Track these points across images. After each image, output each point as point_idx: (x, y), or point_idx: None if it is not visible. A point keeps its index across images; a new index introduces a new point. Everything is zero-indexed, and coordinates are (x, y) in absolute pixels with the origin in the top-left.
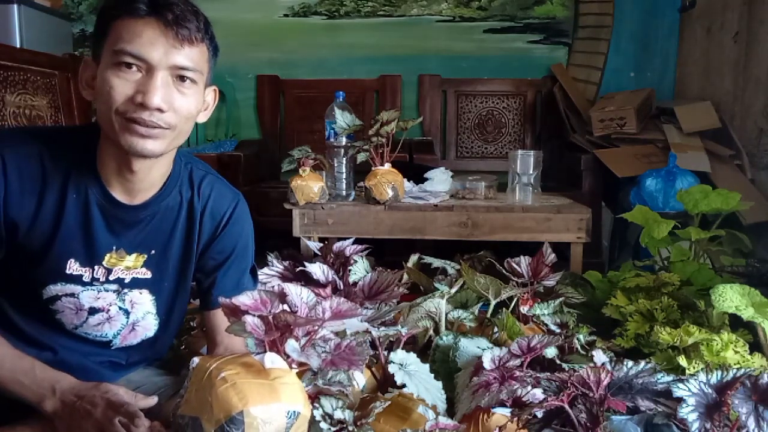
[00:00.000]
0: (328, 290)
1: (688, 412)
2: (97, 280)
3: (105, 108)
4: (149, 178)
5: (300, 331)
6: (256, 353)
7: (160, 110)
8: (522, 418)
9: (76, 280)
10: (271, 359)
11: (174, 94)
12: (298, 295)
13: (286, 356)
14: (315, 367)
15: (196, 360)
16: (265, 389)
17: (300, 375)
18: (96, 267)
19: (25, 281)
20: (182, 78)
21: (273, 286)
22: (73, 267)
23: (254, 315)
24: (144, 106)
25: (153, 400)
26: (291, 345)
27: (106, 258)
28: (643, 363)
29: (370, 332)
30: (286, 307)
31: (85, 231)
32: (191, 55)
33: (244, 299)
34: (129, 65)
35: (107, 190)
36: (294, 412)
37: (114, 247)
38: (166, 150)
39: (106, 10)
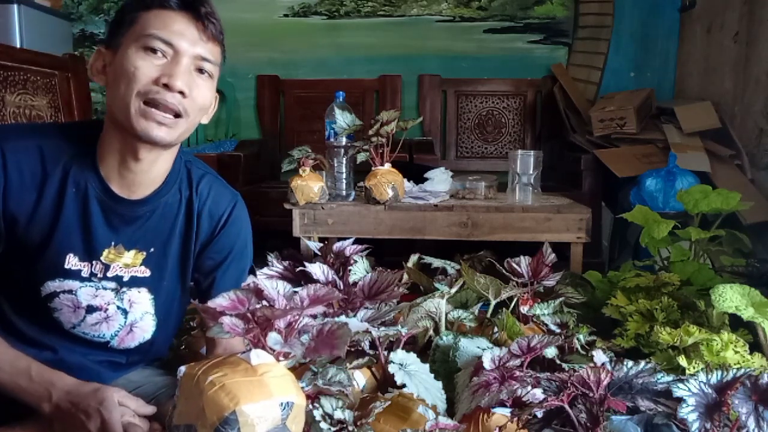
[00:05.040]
0: None
1: (688, 412)
2: (95, 275)
3: (125, 89)
4: (152, 171)
5: (281, 323)
6: (242, 352)
7: (182, 94)
8: (522, 418)
9: (75, 275)
10: (257, 354)
11: (194, 81)
12: (274, 288)
13: (271, 350)
14: (299, 355)
15: (182, 369)
16: (254, 386)
17: (299, 375)
18: (94, 262)
19: (25, 278)
20: (201, 70)
21: (248, 284)
22: (71, 262)
23: (231, 315)
24: (168, 88)
25: (152, 409)
26: (273, 338)
27: (105, 253)
28: (643, 363)
29: (370, 332)
30: (264, 302)
31: (83, 225)
32: (213, 50)
33: (220, 301)
34: (155, 50)
35: (107, 185)
36: (287, 403)
37: (112, 243)
38: (175, 141)
39: (133, 2)
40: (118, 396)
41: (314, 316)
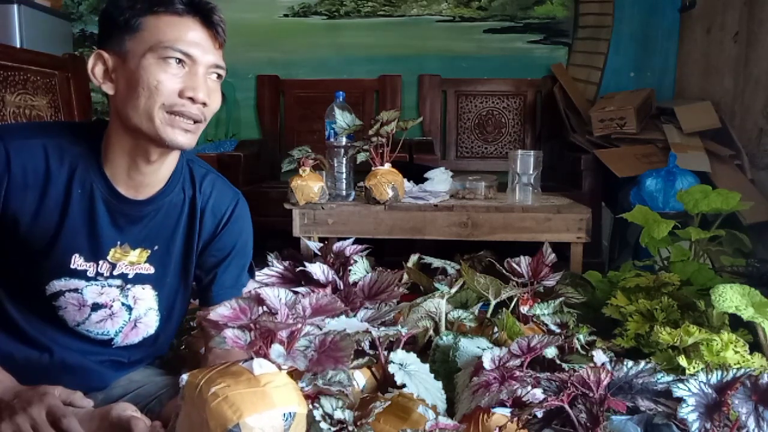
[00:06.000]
0: (328, 290)
1: (688, 412)
2: (101, 274)
3: (147, 101)
4: (160, 172)
5: (284, 333)
6: (243, 360)
7: (204, 104)
8: (522, 418)
9: (81, 275)
10: (260, 364)
11: (210, 90)
12: (276, 296)
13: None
14: (302, 368)
15: (184, 378)
16: (257, 397)
17: (300, 376)
18: (100, 262)
19: (30, 277)
20: (212, 75)
21: (249, 291)
22: (77, 262)
23: (234, 327)
24: (193, 101)
25: (89, 402)
26: (276, 350)
27: (111, 253)
28: (643, 363)
29: (370, 332)
30: (265, 308)
31: (89, 226)
32: (221, 56)
33: (222, 311)
34: (174, 61)
35: (113, 186)
36: (290, 413)
37: (118, 242)
38: (195, 143)
39: (132, 4)
40: (59, 390)
41: None
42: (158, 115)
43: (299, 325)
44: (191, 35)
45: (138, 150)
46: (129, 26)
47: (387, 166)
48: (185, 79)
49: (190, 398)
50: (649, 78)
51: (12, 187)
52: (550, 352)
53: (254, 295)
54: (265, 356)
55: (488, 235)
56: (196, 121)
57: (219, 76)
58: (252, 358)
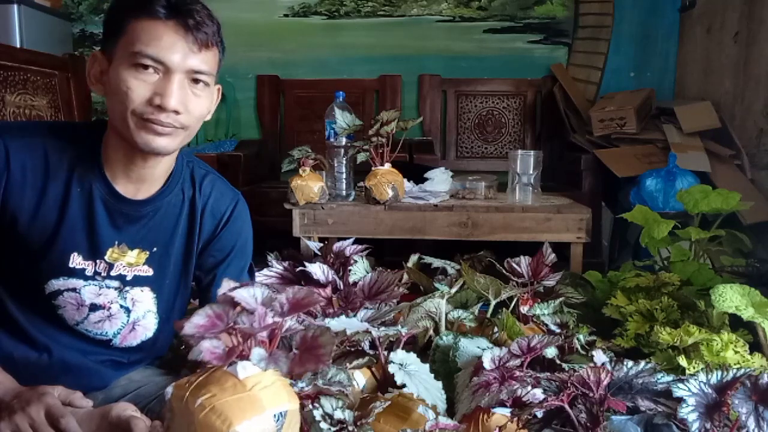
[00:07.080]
0: (329, 290)
1: (688, 412)
2: (99, 274)
3: (120, 107)
4: (156, 171)
5: (264, 333)
6: (227, 365)
7: (176, 112)
8: (522, 418)
9: (79, 274)
10: (244, 367)
11: (189, 96)
12: (251, 295)
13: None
14: (284, 371)
15: (169, 390)
16: (245, 403)
17: (299, 375)
18: (98, 261)
19: (29, 275)
20: (196, 81)
21: (223, 294)
22: (76, 261)
23: (211, 336)
24: (161, 108)
25: (89, 402)
26: (257, 354)
27: (108, 252)
28: (643, 363)
29: (370, 332)
30: (241, 309)
31: (88, 225)
32: (206, 59)
33: (197, 320)
34: (146, 67)
35: (111, 185)
36: (280, 413)
37: (116, 242)
38: (177, 147)
39: (121, 7)
40: (58, 390)
41: (313, 315)
42: (131, 120)
43: (279, 321)
44: (165, 40)
45: (131, 152)
46: (115, 30)
47: (387, 166)
48: (156, 85)
49: (177, 410)
50: (649, 78)
51: (11, 185)
52: (550, 352)
53: (228, 299)
54: (248, 359)
55: (488, 235)
56: (171, 127)
57: (201, 79)
58: (235, 363)
